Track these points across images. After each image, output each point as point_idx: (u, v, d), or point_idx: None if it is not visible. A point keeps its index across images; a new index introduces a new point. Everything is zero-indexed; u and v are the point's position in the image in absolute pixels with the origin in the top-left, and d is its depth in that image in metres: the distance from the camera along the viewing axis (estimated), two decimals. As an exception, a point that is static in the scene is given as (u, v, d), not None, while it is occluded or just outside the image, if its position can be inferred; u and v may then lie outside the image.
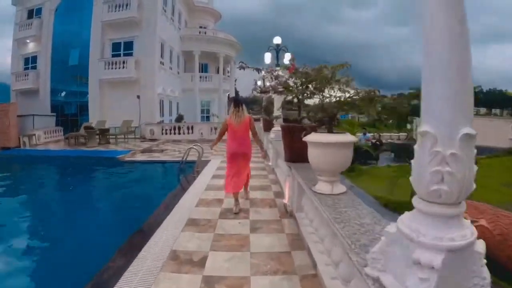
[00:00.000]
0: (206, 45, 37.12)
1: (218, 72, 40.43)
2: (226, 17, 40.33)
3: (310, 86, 5.49)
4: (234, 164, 7.74)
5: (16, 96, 32.14)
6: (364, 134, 25.93)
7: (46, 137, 25.20)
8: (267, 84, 7.51)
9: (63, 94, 32.16)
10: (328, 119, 4.80)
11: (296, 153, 6.30)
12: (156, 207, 8.14)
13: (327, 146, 4.28)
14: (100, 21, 28.63)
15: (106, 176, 15.67)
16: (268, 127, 16.04)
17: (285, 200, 7.30)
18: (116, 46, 29.34)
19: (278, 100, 12.17)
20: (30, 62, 32.67)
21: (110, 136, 24.38)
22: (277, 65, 11.11)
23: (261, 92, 7.27)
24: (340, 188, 4.45)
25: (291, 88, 6.04)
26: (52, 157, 19.32)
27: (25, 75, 31.99)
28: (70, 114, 31.70)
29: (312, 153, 4.58)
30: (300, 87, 5.78)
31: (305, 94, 5.82)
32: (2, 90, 33.62)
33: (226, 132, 7.71)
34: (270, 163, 12.49)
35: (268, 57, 13.50)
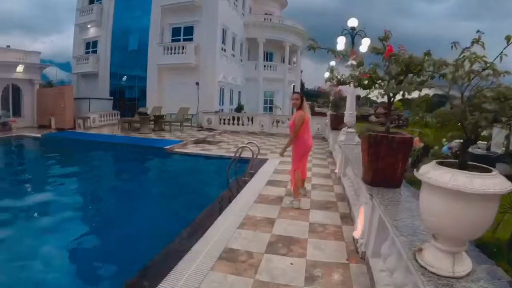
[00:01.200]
0: (271, 32, 35.28)
1: (283, 61, 38.40)
2: (292, 6, 38.47)
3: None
4: (306, 158, 8.28)
5: (77, 79, 33.14)
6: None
7: (101, 120, 25.32)
8: (337, 76, 5.95)
9: (124, 78, 31.81)
10: (466, 140, 2.74)
11: (382, 174, 4.55)
12: (190, 221, 6.66)
13: (466, 198, 2.15)
14: (160, 5, 27.60)
15: (149, 168, 15.04)
16: (336, 124, 14.25)
17: (356, 234, 5.38)
18: (175, 31, 28.27)
19: (352, 95, 10.67)
20: (91, 46, 32.85)
21: (165, 123, 23.35)
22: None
23: (339, 83, 5.33)
24: (465, 264, 2.40)
25: (379, 80, 4.51)
26: (99, 142, 18.96)
27: (85, 59, 32.17)
28: (128, 98, 31.46)
29: (431, 202, 2.43)
30: (396, 78, 4.05)
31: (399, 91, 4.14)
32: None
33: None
34: (336, 170, 10.63)
35: (341, 42, 11.62)
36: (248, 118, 24.35)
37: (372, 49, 4.49)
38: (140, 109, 25.10)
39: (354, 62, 5.19)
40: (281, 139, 19.82)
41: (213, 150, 15.69)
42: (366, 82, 4.79)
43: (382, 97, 4.43)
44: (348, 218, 6.76)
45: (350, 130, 10.56)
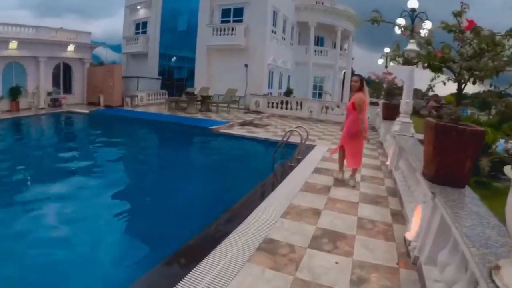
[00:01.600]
0: (323, 16, 34.35)
1: (334, 47, 37.51)
2: None
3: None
4: (358, 145, 8.26)
5: (127, 59, 33.92)
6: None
7: (149, 99, 25.89)
8: (391, 63, 5.54)
9: (173, 59, 32.14)
10: None
11: (447, 171, 4.05)
12: (230, 205, 6.48)
13: None
14: (209, -14, 27.35)
15: (193, 147, 15.04)
16: (390, 114, 13.52)
17: (409, 235, 4.88)
18: (225, 13, 27.83)
19: (409, 81, 10.01)
20: (141, 27, 33.20)
21: (212, 104, 23.18)
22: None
23: (405, 63, 4.82)
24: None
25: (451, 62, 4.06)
26: (145, 119, 19.08)
27: (135, 39, 32.72)
28: (177, 78, 31.70)
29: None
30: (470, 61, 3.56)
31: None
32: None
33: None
34: (388, 163, 10.12)
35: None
36: (297, 102, 23.76)
37: (444, 26, 3.95)
38: (188, 89, 25.11)
39: (423, 35, 4.66)
40: (330, 126, 19.37)
41: (260, 133, 15.35)
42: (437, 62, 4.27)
43: (454, 82, 3.93)
44: (399, 216, 6.26)
45: (405, 120, 9.94)
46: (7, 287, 4.38)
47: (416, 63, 4.75)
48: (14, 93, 19.78)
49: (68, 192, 8.18)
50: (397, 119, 10.32)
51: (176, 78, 31.75)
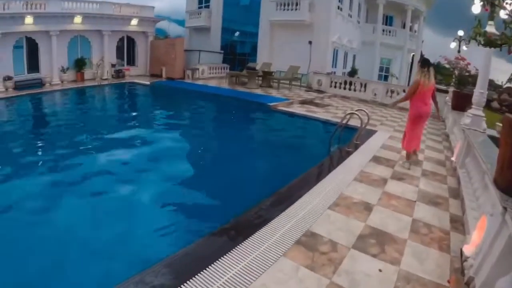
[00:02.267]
0: (394, -7, 32.86)
1: (404, 27, 35.58)
2: None
3: None
4: (417, 125, 8.21)
5: (190, 33, 34.36)
6: None
7: (210, 72, 26.21)
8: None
9: (237, 34, 32.31)
10: None
11: None
12: (281, 185, 6.24)
13: None
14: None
15: (249, 123, 14.63)
16: (460, 104, 12.64)
17: (467, 250, 4.12)
18: (289, -13, 27.07)
19: (485, 69, 8.84)
20: (204, 1, 32.92)
21: (273, 81, 22.76)
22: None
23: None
24: None
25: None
26: (204, 92, 19.04)
27: (198, 14, 32.67)
28: (239, 53, 31.76)
29: None
30: None
31: None
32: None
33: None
34: (453, 158, 9.24)
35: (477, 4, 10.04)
36: (361, 84, 22.61)
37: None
38: (249, 64, 24.78)
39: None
40: (394, 111, 18.41)
41: (319, 113, 14.65)
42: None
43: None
44: (459, 223, 5.53)
45: (478, 112, 8.90)
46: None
47: (500, 46, 4.01)
48: (80, 64, 21.12)
49: (126, 157, 8.91)
50: (468, 111, 9.27)
51: (238, 53, 31.72)
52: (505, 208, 3.14)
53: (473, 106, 9.01)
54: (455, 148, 9.67)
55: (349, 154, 8.65)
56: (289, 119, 14.01)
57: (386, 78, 33.86)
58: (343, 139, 9.79)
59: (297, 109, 15.13)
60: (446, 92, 17.78)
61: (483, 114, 8.96)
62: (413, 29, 38.76)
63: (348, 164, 7.81)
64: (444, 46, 31.99)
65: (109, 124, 12.89)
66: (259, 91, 19.72)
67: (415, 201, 6.16)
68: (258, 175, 8.37)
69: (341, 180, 6.66)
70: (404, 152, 8.70)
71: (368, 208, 5.55)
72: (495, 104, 32.23)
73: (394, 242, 4.56)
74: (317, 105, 17.18)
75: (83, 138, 10.48)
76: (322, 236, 4.46)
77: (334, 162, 7.98)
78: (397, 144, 10.15)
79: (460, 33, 18.28)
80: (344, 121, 9.71)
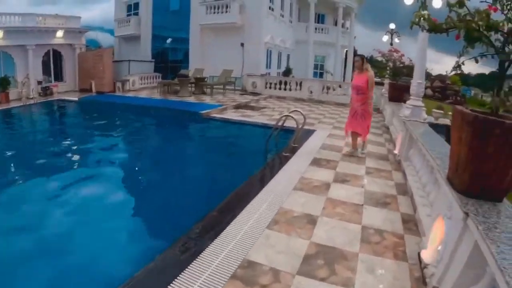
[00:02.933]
0: (324, -8, 32.90)
1: (336, 24, 35.94)
2: None
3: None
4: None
5: (119, 42, 32.80)
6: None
7: (142, 83, 24.68)
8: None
9: (169, 41, 31.16)
10: None
11: (485, 182, 3.01)
12: (207, 212, 5.26)
13: None
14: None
15: (181, 134, 13.62)
16: (397, 96, 12.34)
17: (426, 256, 3.66)
18: (220, -11, 26.39)
19: (421, 59, 8.60)
20: (132, 8, 31.64)
21: (206, 86, 21.82)
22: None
23: (433, 29, 3.42)
24: None
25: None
26: (134, 105, 17.71)
27: (127, 22, 31.43)
28: (171, 61, 30.58)
29: None
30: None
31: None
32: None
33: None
34: (396, 151, 8.97)
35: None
36: (296, 83, 22.37)
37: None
38: (181, 71, 23.74)
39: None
40: (331, 107, 18.16)
41: (254, 117, 14.00)
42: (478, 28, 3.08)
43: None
44: (412, 223, 5.02)
45: (417, 103, 8.59)
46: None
47: (446, 30, 3.45)
48: (3, 83, 18.67)
49: (59, 180, 8.01)
50: (407, 102, 8.94)
51: (171, 60, 30.61)
52: (466, 214, 2.85)
53: (411, 97, 8.71)
54: (397, 140, 9.41)
55: (287, 159, 7.96)
56: (223, 126, 13.22)
57: (321, 75, 34.06)
58: (281, 143, 9.20)
59: (231, 115, 14.36)
60: (381, 84, 17.69)
61: (423, 104, 8.71)
62: (345, 26, 39.33)
63: (287, 171, 7.11)
64: (376, 40, 32.17)
65: (35, 147, 11.56)
66: (191, 99, 18.76)
67: (362, 205, 5.59)
68: (192, 192, 7.44)
69: (279, 191, 5.94)
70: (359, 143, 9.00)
71: (311, 221, 4.88)
72: (428, 92, 33.33)
73: (344, 258, 3.93)
74: (252, 108, 16.50)
75: (7, 165, 9.33)
76: (262, 264, 3.76)
77: (271, 171, 7.23)
78: (337, 142, 9.98)
79: (392, 26, 18.35)
80: (279, 124, 9.11)
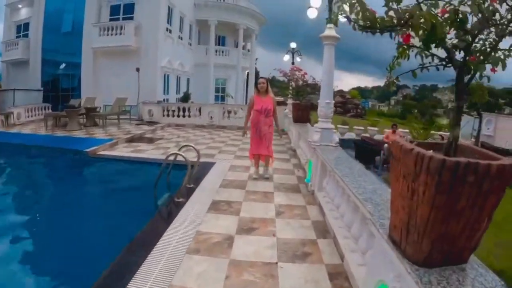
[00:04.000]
0: (225, 14, 32.33)
1: (236, 46, 35.58)
2: None
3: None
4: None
5: (7, 68, 28.98)
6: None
7: (28, 115, 21.46)
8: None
9: (62, 66, 27.52)
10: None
11: (451, 244, 2.29)
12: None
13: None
14: (97, -21, 23.89)
15: (61, 181, 11.09)
16: (302, 116, 12.40)
17: None
18: (114, 9, 24.35)
19: (328, 76, 7.73)
20: (22, 29, 28.45)
21: (98, 117, 19.53)
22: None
23: (368, 28, 2.25)
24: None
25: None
26: (14, 144, 14.42)
27: (15, 44, 27.74)
28: (63, 89, 27.33)
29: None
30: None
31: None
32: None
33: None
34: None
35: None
36: (195, 108, 21.24)
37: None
38: (71, 101, 21.45)
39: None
40: (234, 133, 17.21)
41: (148, 152, 12.50)
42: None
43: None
44: (341, 277, 4.13)
45: (326, 125, 7.74)
46: None
47: (381, 30, 2.57)
48: None
49: None
50: (315, 125, 8.10)
51: (62, 89, 27.32)
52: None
53: (320, 119, 7.84)
54: (306, 167, 8.86)
55: (179, 207, 6.59)
56: (111, 166, 11.56)
57: (223, 98, 33.48)
58: (173, 184, 7.74)
59: (122, 151, 12.73)
60: (284, 103, 17.21)
61: (333, 126, 7.93)
62: (246, 48, 39.13)
63: (178, 227, 5.69)
64: (277, 62, 31.83)
65: None
66: (80, 133, 16.56)
67: (276, 263, 4.47)
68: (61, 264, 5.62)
69: (167, 259, 4.53)
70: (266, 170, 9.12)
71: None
72: None
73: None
74: (148, 140, 14.97)
75: None
76: None
77: (157, 228, 5.65)
78: (240, 175, 9.19)
79: (293, 45, 17.97)
80: (171, 158, 7.75)
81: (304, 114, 12.70)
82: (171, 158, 7.66)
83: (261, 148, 8.74)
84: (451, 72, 2.57)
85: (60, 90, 27.01)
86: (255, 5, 36.04)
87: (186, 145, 8.66)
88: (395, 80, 3.00)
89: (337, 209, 5.63)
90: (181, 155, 7.40)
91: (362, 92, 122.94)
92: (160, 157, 10.84)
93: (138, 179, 10.57)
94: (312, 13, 8.30)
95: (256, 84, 9.03)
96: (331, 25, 7.09)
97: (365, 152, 16.35)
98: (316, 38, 7.38)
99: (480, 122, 26.54)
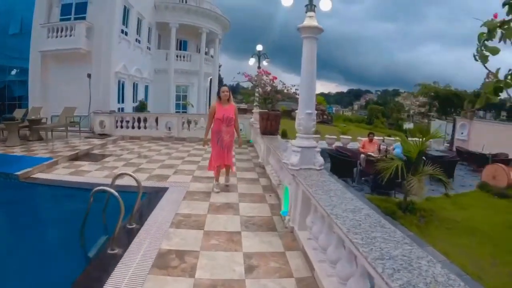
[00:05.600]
0: (187, 17, 30.61)
1: (199, 51, 33.97)
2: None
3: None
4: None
5: None
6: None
7: None
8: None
9: (14, 72, 25.28)
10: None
11: None
12: None
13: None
14: (47, -26, 21.55)
15: None
16: (271, 127, 11.33)
17: None
18: (66, 9, 22.00)
19: (310, 81, 6.16)
20: None
21: (43, 130, 16.98)
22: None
23: None
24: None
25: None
26: None
27: None
28: (9, 98, 24.90)
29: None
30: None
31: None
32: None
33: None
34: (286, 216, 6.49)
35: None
36: (152, 119, 19.26)
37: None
38: (16, 111, 19.02)
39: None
40: (194, 146, 15.64)
41: (90, 174, 10.45)
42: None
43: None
44: None
45: (307, 143, 6.13)
46: None
47: None
48: None
49: None
50: (293, 142, 6.38)
51: (9, 97, 24.90)
52: None
53: (299, 134, 6.20)
54: (279, 193, 7.50)
55: (113, 263, 4.78)
56: (44, 193, 9.51)
57: (185, 107, 31.80)
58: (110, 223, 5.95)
59: (60, 173, 10.57)
60: (247, 111, 17.26)
61: (315, 144, 6.25)
62: (209, 53, 37.80)
63: None
64: (241, 69, 30.51)
65: None
66: (19, 150, 14.09)
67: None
68: None
69: None
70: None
71: None
72: (295, 114, 32.57)
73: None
74: (94, 158, 12.87)
75: None
76: None
77: None
78: (199, 206, 7.45)
79: (259, 47, 16.35)
80: (108, 186, 5.73)
81: (273, 124, 11.36)
82: (112, 184, 5.82)
83: (223, 158, 8.62)
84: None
85: (6, 99, 24.64)
86: (219, 8, 34.61)
87: (121, 174, 6.76)
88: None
89: (332, 264, 4.06)
90: (110, 192, 5.54)
91: (326, 97, 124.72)
92: (103, 181, 8.72)
93: (70, 213, 8.27)
94: (286, 0, 6.45)
95: (218, 92, 8.81)
96: (312, 14, 5.94)
97: (342, 165, 15.31)
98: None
99: (454, 127, 26.37)
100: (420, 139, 11.77)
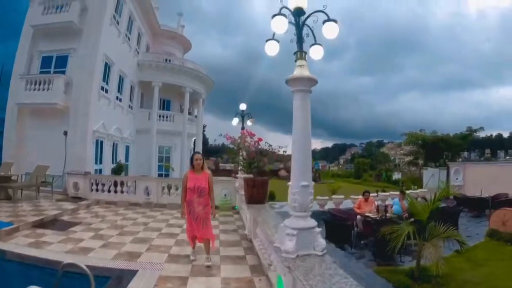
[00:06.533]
0: (170, 76, 30.37)
1: (182, 111, 33.47)
2: (195, 57, 34.49)
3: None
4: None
5: None
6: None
7: None
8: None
9: None
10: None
11: None
12: None
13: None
14: (31, 25, 21.04)
15: None
16: (257, 196, 10.20)
17: None
18: (46, 61, 21.31)
19: (303, 136, 5.12)
20: None
21: (11, 189, 15.58)
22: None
23: None
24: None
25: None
26: None
27: None
28: None
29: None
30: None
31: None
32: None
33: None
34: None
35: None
36: (130, 182, 17.95)
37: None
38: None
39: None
40: (174, 214, 14.22)
41: (50, 246, 8.95)
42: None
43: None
44: None
45: (305, 223, 4.92)
46: None
47: None
48: None
49: None
50: (286, 223, 5.07)
51: None
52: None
53: (294, 213, 4.98)
54: (271, 274, 6.44)
55: None
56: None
57: (168, 169, 30.57)
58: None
59: (17, 242, 9.12)
60: (232, 173, 16.15)
61: (315, 223, 4.99)
62: (193, 113, 37.59)
63: None
64: (226, 129, 29.51)
65: None
66: None
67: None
68: None
69: None
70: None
71: None
72: (283, 173, 32.26)
73: None
74: (60, 226, 11.39)
75: None
76: None
77: None
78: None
79: (243, 106, 15.40)
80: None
81: (260, 192, 10.17)
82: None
83: (196, 230, 7.93)
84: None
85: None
86: (203, 67, 34.39)
87: (69, 264, 5.18)
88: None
89: None
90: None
91: (312, 154, 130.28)
92: (61, 259, 6.99)
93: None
94: (271, 49, 5.27)
95: (191, 159, 8.15)
96: (303, 62, 4.98)
97: (338, 230, 14.16)
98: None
99: (448, 173, 26.37)
100: (432, 198, 10.76)
